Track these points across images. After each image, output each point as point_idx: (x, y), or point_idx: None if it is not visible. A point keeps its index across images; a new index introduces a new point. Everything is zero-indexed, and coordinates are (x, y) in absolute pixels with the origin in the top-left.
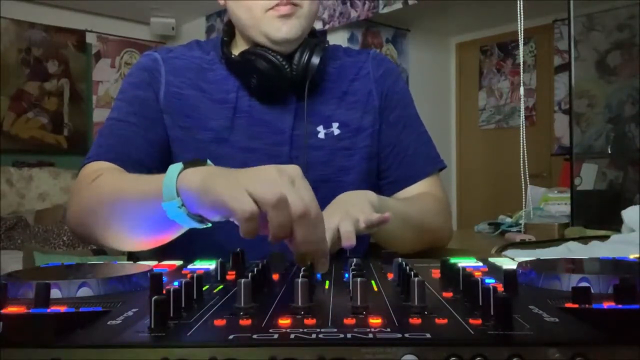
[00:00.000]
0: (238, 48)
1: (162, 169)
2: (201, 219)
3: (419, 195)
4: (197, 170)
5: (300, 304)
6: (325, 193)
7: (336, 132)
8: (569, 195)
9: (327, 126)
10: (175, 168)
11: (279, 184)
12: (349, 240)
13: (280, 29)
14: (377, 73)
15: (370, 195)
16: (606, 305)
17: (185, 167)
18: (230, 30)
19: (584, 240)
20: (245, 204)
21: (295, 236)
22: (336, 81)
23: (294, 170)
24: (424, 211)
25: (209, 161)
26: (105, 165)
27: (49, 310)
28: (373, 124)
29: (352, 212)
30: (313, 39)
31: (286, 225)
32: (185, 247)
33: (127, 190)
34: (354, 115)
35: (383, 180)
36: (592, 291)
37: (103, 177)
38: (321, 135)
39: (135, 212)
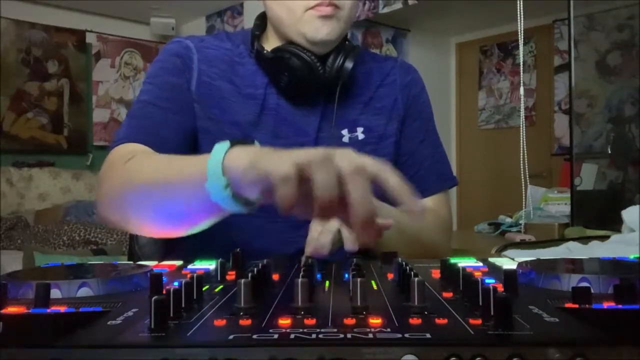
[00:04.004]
0: (269, 43)
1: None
2: (246, 202)
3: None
4: (247, 149)
5: (300, 304)
6: None
7: (360, 136)
8: (569, 195)
9: (352, 130)
10: (222, 147)
11: (328, 150)
12: (352, 244)
13: (319, 30)
14: (404, 81)
15: None
16: (606, 305)
17: (232, 146)
18: (262, 24)
19: (584, 240)
20: (283, 166)
21: (351, 195)
22: (362, 86)
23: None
24: (424, 226)
25: (256, 142)
26: (138, 148)
27: (49, 310)
28: (396, 133)
29: None
30: (347, 43)
31: (330, 185)
32: (198, 248)
33: (165, 171)
34: (378, 121)
35: None
36: (592, 291)
37: (137, 158)
38: (345, 139)
39: (174, 195)
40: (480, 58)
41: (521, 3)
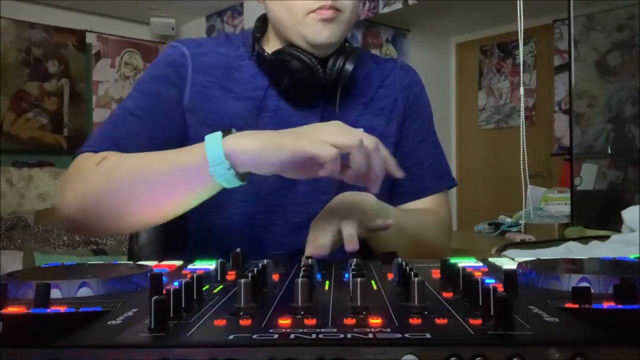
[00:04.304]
0: (270, 45)
1: None
2: (242, 178)
3: (422, 210)
4: (246, 134)
5: (300, 304)
6: None
7: None
8: (569, 195)
9: None
10: (216, 137)
11: (351, 131)
12: (352, 244)
13: (321, 33)
14: (404, 82)
15: (370, 198)
16: (606, 305)
17: (224, 135)
18: (263, 26)
19: (584, 240)
20: (328, 149)
21: (374, 167)
22: (363, 87)
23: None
24: (423, 226)
25: (233, 130)
26: (114, 153)
27: (49, 310)
28: (396, 133)
29: (354, 215)
30: (347, 45)
31: (365, 163)
32: (205, 247)
33: (147, 165)
34: (379, 122)
35: (392, 190)
36: (592, 291)
37: (110, 159)
38: None
39: (163, 185)
40: (480, 58)
41: (521, 3)
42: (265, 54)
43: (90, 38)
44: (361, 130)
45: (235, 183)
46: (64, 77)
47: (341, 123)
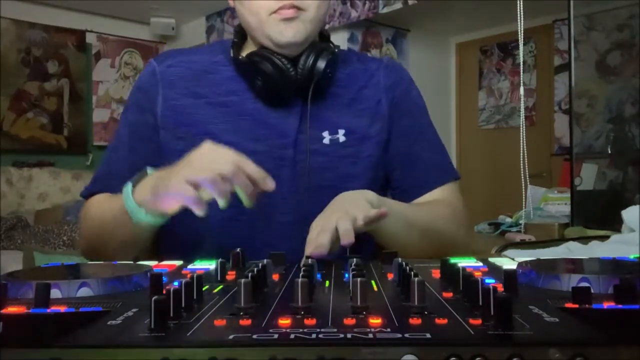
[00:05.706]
0: (247, 51)
1: None
2: (163, 214)
3: (431, 201)
4: (143, 184)
5: (300, 304)
6: (328, 199)
7: (341, 138)
8: (569, 195)
9: (333, 132)
10: (127, 189)
11: (212, 162)
12: (347, 238)
13: (283, 33)
14: (388, 82)
15: (368, 194)
16: (606, 305)
17: (134, 185)
18: (242, 32)
19: (584, 240)
20: (187, 190)
21: (240, 186)
22: (345, 87)
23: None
24: (433, 216)
25: (148, 170)
26: (96, 198)
27: (49, 310)
28: (380, 133)
29: (350, 210)
30: (322, 42)
31: (226, 191)
32: (189, 251)
33: (105, 214)
34: (361, 122)
35: (394, 189)
36: (592, 291)
37: (90, 210)
38: (326, 140)
39: (121, 231)
40: (480, 58)
41: (521, 3)
42: (240, 57)
43: (90, 38)
44: (230, 151)
45: (161, 220)
46: (64, 77)
47: (214, 149)
